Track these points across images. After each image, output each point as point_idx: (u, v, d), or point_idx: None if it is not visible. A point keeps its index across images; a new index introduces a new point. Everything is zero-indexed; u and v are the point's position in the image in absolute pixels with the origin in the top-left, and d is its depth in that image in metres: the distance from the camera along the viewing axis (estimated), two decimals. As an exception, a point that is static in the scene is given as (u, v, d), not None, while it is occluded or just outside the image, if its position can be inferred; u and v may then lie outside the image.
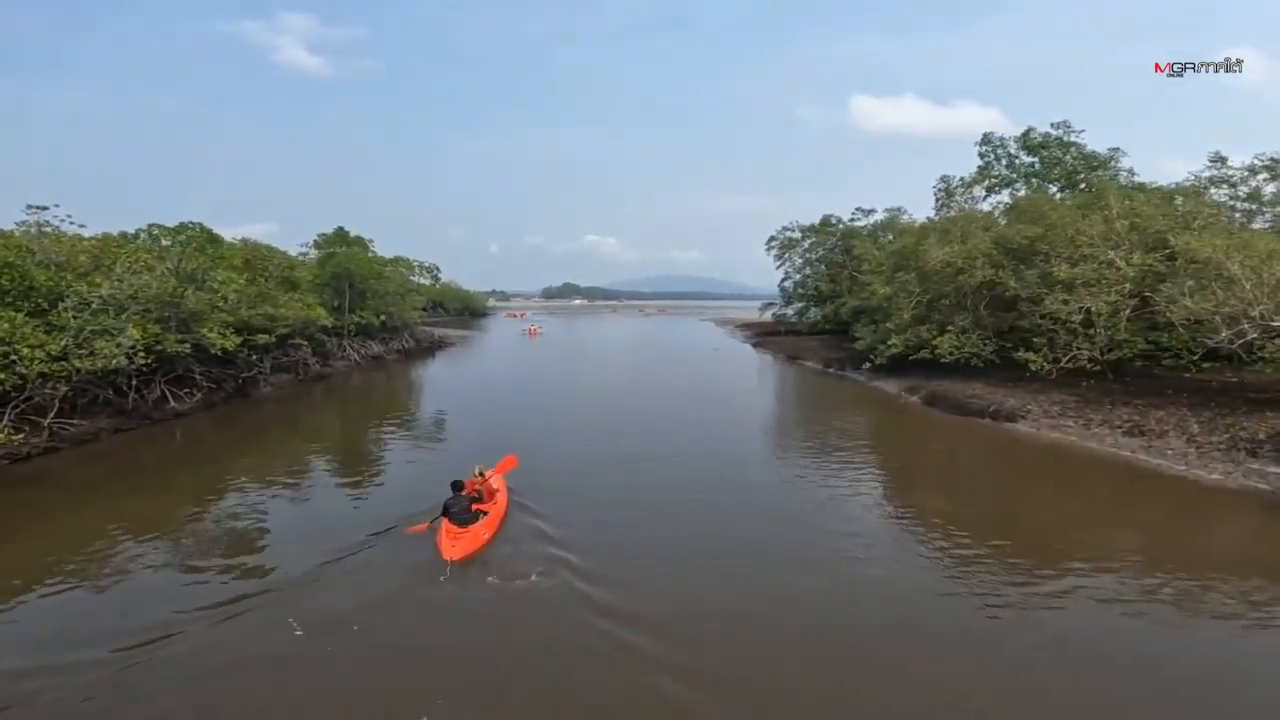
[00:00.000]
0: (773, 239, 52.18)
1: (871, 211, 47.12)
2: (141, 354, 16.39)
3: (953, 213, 32.23)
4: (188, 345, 18.55)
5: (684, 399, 24.08)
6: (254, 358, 22.22)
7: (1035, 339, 20.79)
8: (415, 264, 53.64)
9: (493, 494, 10.34)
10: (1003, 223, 26.41)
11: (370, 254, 41.95)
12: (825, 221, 49.40)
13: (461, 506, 9.39)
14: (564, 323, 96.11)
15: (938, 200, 34.16)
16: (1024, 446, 16.02)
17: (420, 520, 9.74)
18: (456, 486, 9.87)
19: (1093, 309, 19.09)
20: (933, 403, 21.24)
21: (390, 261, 45.52)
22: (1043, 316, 20.50)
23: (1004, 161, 34.15)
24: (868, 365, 27.09)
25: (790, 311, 52.09)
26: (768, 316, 58.13)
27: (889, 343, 25.42)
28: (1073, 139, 32.50)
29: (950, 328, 23.72)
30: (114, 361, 15.94)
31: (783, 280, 52.30)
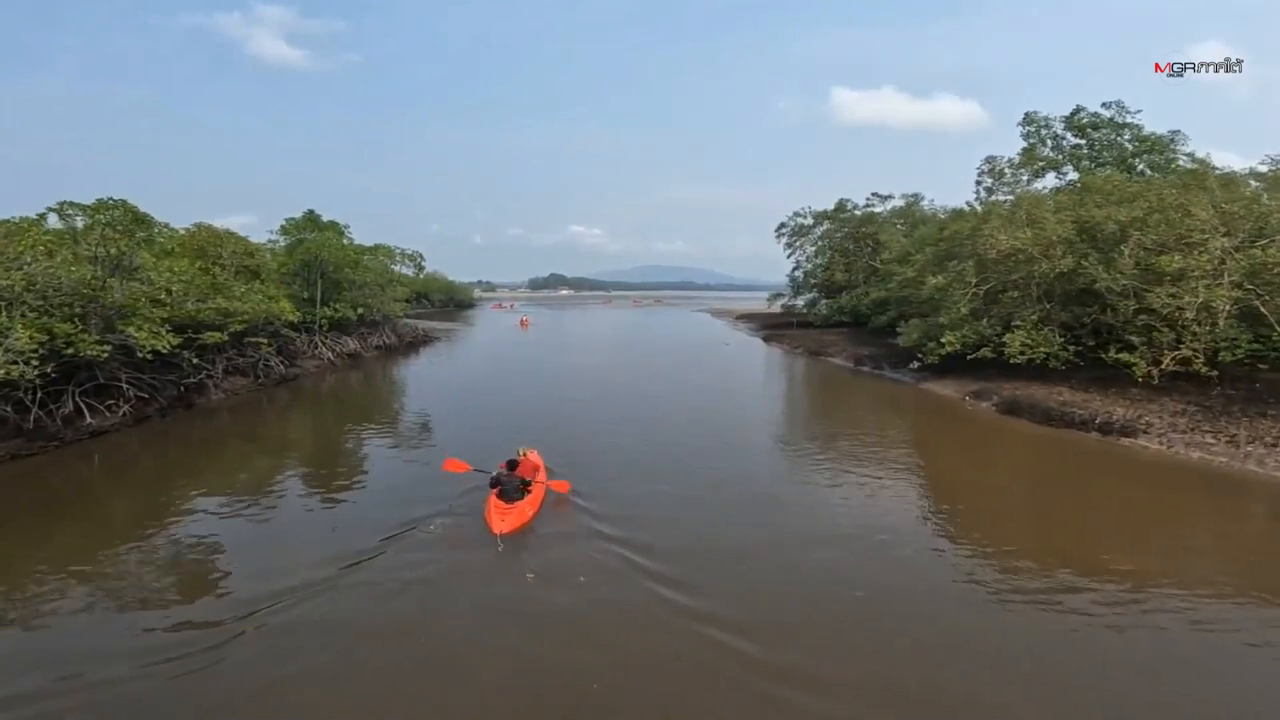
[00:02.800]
0: (783, 226, 48.96)
1: (889, 197, 44.21)
2: (36, 360, 12.60)
3: (997, 196, 29.24)
4: (108, 348, 14.73)
5: (710, 402, 20.86)
6: (195, 360, 18.30)
7: (1130, 337, 17.85)
8: (397, 252, 49.05)
9: (534, 473, 10.67)
10: (1049, 205, 23.50)
11: (346, 240, 37.76)
12: (840, 206, 46.23)
13: (512, 485, 9.89)
14: (554, 314, 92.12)
15: (980, 183, 31.14)
16: (1164, 472, 12.89)
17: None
18: (511, 465, 10.45)
19: (1211, 303, 16.12)
20: (1012, 411, 18.15)
21: (369, 249, 41.13)
22: (1141, 311, 17.55)
23: (1049, 144, 31.22)
24: (916, 365, 24.00)
25: (800, 303, 49.06)
26: (776, 308, 55.06)
27: (943, 339, 22.33)
28: (1127, 120, 29.69)
29: (1018, 323, 20.72)
30: (1, 371, 12.19)
31: (793, 269, 49.20)
